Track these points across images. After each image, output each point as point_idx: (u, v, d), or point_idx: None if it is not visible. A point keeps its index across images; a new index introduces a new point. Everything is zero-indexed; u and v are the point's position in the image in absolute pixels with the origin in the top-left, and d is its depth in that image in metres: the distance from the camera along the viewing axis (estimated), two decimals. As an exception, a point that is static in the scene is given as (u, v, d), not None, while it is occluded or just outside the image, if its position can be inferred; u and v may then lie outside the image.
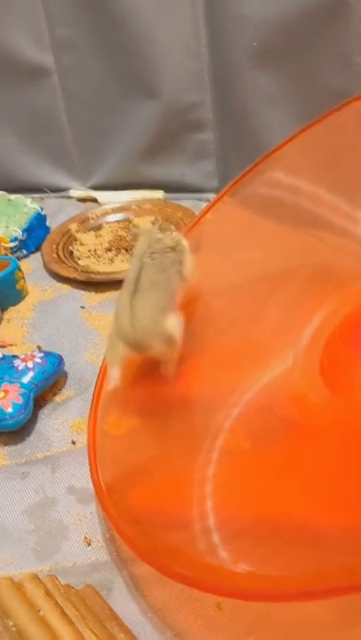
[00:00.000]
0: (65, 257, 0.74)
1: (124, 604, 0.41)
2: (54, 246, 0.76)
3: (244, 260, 0.58)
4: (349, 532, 0.39)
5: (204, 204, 0.68)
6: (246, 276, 0.58)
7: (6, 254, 0.74)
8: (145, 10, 0.73)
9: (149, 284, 0.48)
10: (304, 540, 0.40)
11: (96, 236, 0.78)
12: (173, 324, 0.48)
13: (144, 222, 0.79)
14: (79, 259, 0.75)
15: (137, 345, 0.47)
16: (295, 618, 0.40)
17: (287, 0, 0.67)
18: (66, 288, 0.71)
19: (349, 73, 0.69)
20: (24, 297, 0.70)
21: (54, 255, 0.74)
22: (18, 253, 0.75)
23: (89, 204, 0.85)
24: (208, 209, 0.62)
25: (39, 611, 0.36)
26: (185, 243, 0.53)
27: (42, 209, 0.79)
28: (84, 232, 0.79)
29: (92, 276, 0.70)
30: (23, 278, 0.70)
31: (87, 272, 0.71)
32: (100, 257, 0.75)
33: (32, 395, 0.54)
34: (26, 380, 0.55)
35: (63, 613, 0.36)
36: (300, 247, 0.58)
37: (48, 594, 0.37)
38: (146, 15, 0.73)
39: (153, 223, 0.78)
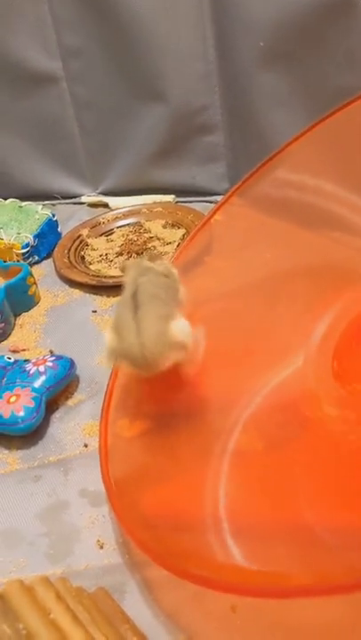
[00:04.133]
0: (76, 262, 0.75)
1: (137, 607, 0.41)
2: (66, 252, 0.76)
3: (253, 261, 0.58)
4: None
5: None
6: (256, 277, 0.57)
7: (18, 260, 0.75)
8: (151, 14, 0.73)
9: (148, 296, 0.46)
10: (318, 540, 0.40)
11: (107, 241, 0.79)
12: (180, 327, 0.46)
13: (155, 226, 0.79)
14: (91, 264, 0.75)
15: (147, 363, 0.44)
16: (311, 620, 0.39)
17: (292, 1, 0.67)
18: (77, 293, 0.71)
19: (357, 71, 0.69)
20: (36, 302, 0.70)
21: (66, 260, 0.75)
22: (30, 259, 0.76)
23: (100, 210, 0.85)
24: (216, 210, 0.62)
25: (49, 613, 0.36)
26: (175, 271, 0.51)
27: (53, 215, 0.79)
28: (96, 237, 0.79)
29: (104, 280, 0.70)
30: (35, 284, 0.70)
31: (98, 276, 0.71)
32: (111, 261, 0.75)
33: (44, 398, 0.54)
34: (38, 383, 0.55)
35: (74, 616, 0.36)
36: (310, 246, 0.58)
37: (59, 597, 0.37)
38: (152, 20, 0.73)
39: (164, 227, 0.78)
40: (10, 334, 0.66)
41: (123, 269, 0.51)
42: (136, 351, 0.44)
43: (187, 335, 0.46)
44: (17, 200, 0.81)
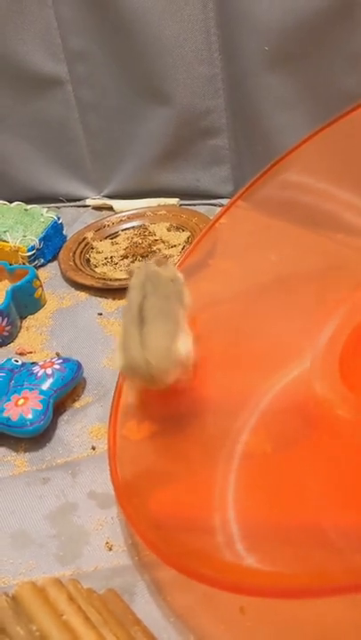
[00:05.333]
0: (82, 265, 0.75)
1: (147, 609, 0.41)
2: (71, 254, 0.77)
3: (259, 263, 0.58)
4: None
5: (219, 210, 0.68)
6: (262, 279, 0.58)
7: (24, 263, 0.75)
8: (156, 18, 0.73)
9: (155, 311, 0.47)
10: (328, 542, 0.40)
11: (112, 244, 0.79)
12: (184, 343, 0.46)
13: (159, 228, 0.79)
14: (96, 266, 0.75)
15: (152, 378, 0.45)
16: (319, 621, 0.39)
17: (297, 4, 0.67)
18: (83, 295, 0.71)
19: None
20: (42, 305, 0.70)
21: (71, 263, 0.75)
22: (35, 262, 0.76)
23: (105, 213, 0.86)
24: (222, 213, 0.62)
25: (62, 615, 0.36)
26: (181, 276, 0.52)
27: (58, 218, 0.79)
28: (101, 240, 0.80)
29: (109, 282, 0.71)
30: (41, 287, 0.70)
31: (104, 279, 0.71)
32: (116, 264, 0.75)
33: (52, 401, 0.55)
34: (45, 386, 0.55)
35: (86, 618, 0.36)
36: (317, 249, 0.58)
37: (71, 598, 0.37)
38: (157, 23, 0.73)
39: (168, 230, 0.79)
40: (16, 337, 0.67)
41: (130, 274, 0.52)
42: (142, 368, 0.45)
43: (190, 351, 0.47)
44: (22, 203, 0.81)
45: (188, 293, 0.51)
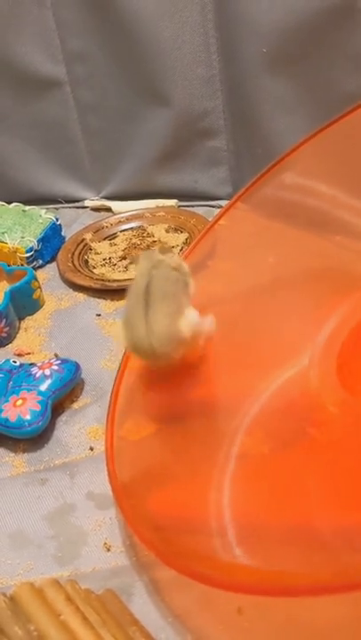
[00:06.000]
0: (80, 266, 0.75)
1: (145, 609, 0.41)
2: (69, 255, 0.77)
3: (257, 264, 0.58)
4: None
5: (217, 211, 0.68)
6: (260, 280, 0.58)
7: (22, 264, 0.75)
8: (155, 19, 0.73)
9: (161, 293, 0.48)
10: (324, 541, 0.40)
11: (110, 245, 0.79)
12: (188, 323, 0.47)
13: (158, 230, 0.79)
14: (94, 267, 0.75)
15: (156, 356, 0.47)
16: (317, 621, 0.40)
17: (296, 6, 0.67)
18: (81, 296, 0.71)
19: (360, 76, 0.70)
20: (41, 306, 0.70)
21: (70, 264, 0.75)
22: (34, 263, 0.76)
23: (103, 214, 0.86)
24: (221, 215, 0.62)
25: (60, 615, 0.36)
26: (185, 265, 0.52)
27: (57, 219, 0.79)
28: (99, 241, 0.80)
29: (108, 283, 0.71)
30: (39, 288, 0.70)
31: (102, 280, 0.72)
32: (114, 265, 0.75)
33: (50, 402, 0.55)
34: (43, 387, 0.55)
35: (84, 618, 0.36)
36: (315, 250, 0.58)
37: (69, 598, 0.37)
38: (156, 24, 0.74)
39: (167, 231, 0.79)
40: (14, 338, 0.67)
41: (135, 261, 0.52)
42: (146, 346, 0.46)
43: (195, 328, 0.48)
44: (21, 204, 0.81)
45: (192, 283, 0.51)
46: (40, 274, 0.75)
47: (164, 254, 0.51)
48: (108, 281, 0.71)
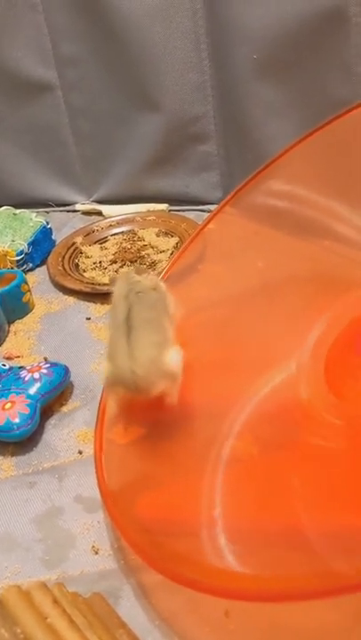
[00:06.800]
0: (70, 269, 0.75)
1: (132, 612, 0.41)
2: (60, 259, 0.77)
3: (246, 269, 0.59)
4: (358, 536, 0.39)
5: (207, 216, 0.68)
6: (249, 285, 0.58)
7: (12, 267, 0.75)
8: (146, 25, 0.74)
9: (142, 321, 0.47)
10: (313, 544, 0.40)
11: (101, 249, 0.79)
12: (173, 358, 0.46)
13: (148, 234, 0.80)
14: (85, 271, 0.76)
15: (138, 388, 0.46)
16: (304, 624, 0.40)
17: (287, 12, 0.68)
18: (71, 300, 0.71)
19: (351, 83, 0.70)
20: (30, 309, 0.70)
21: (60, 268, 0.75)
22: (24, 267, 0.76)
23: (94, 217, 0.86)
24: (210, 219, 0.63)
25: (47, 618, 0.36)
26: (162, 284, 0.52)
27: (47, 222, 0.79)
28: (90, 245, 0.80)
29: (98, 287, 0.71)
30: (29, 291, 0.70)
31: (92, 284, 0.72)
32: (105, 269, 0.75)
33: (39, 405, 0.55)
34: (32, 390, 0.55)
35: (71, 621, 0.36)
36: (303, 255, 0.59)
37: (56, 601, 0.37)
38: (147, 30, 0.74)
39: (157, 235, 0.79)
40: (4, 341, 0.67)
41: (112, 282, 0.52)
42: (128, 377, 0.45)
43: (178, 364, 0.47)
44: (11, 207, 0.81)
45: (172, 302, 0.51)
46: (30, 277, 0.75)
47: (140, 275, 0.51)
48: (99, 284, 0.71)
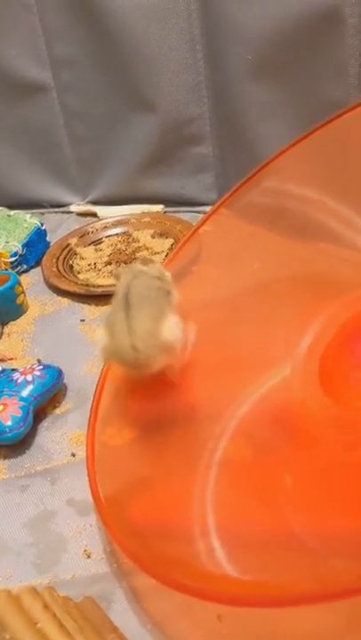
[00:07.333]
0: (65, 271, 0.75)
1: (124, 616, 0.41)
2: (54, 260, 0.76)
3: (241, 271, 0.58)
4: (351, 538, 0.39)
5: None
6: (244, 286, 0.58)
7: (6, 269, 0.75)
8: (141, 25, 0.74)
9: (140, 297, 0.47)
10: (305, 549, 0.40)
11: (96, 250, 0.79)
12: (171, 328, 0.47)
13: (143, 235, 0.79)
14: (79, 272, 0.75)
15: (138, 363, 0.45)
16: (298, 629, 0.39)
17: (282, 13, 0.68)
18: (66, 302, 0.71)
19: (346, 84, 0.70)
20: (24, 311, 0.70)
21: (54, 269, 0.75)
22: (18, 268, 0.76)
23: (89, 219, 0.85)
24: (205, 220, 0.62)
25: (37, 623, 0.35)
26: (168, 273, 0.52)
27: (42, 224, 0.79)
28: (84, 246, 0.79)
29: (92, 289, 0.70)
30: (23, 293, 0.70)
31: (87, 285, 0.71)
32: (99, 271, 0.75)
33: (31, 408, 0.54)
34: (25, 393, 0.55)
35: (61, 626, 0.36)
36: (299, 257, 0.58)
37: (46, 606, 0.37)
38: (142, 31, 0.74)
39: (152, 237, 0.79)
40: (-3, 343, 0.66)
41: (116, 277, 0.52)
42: (127, 351, 0.45)
43: (178, 335, 0.47)
44: (5, 209, 0.81)
45: (175, 292, 0.51)
46: (24, 279, 0.75)
47: (146, 265, 0.51)
48: (93, 286, 0.71)
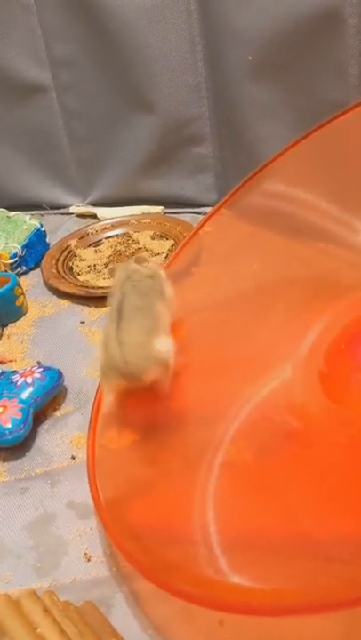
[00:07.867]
0: (65, 272, 0.75)
1: (125, 621, 0.40)
2: (54, 262, 0.76)
3: (242, 271, 0.58)
4: (353, 542, 0.38)
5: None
6: (244, 287, 0.57)
7: (6, 270, 0.74)
8: (141, 26, 0.73)
9: (132, 309, 0.48)
10: (307, 552, 0.40)
11: (95, 252, 0.79)
12: (163, 344, 0.47)
13: (143, 237, 0.79)
14: (79, 274, 0.75)
15: (130, 375, 0.46)
16: (299, 634, 0.39)
17: (282, 14, 0.68)
18: (65, 303, 0.71)
19: (346, 84, 0.70)
20: (24, 313, 0.70)
21: (54, 271, 0.75)
22: (18, 270, 0.76)
23: (88, 220, 0.85)
24: (205, 221, 0.62)
25: (37, 628, 0.35)
26: (162, 272, 0.52)
27: (41, 225, 0.79)
28: (84, 248, 0.79)
29: (92, 290, 0.70)
30: (23, 294, 0.70)
31: (87, 287, 0.71)
32: (99, 272, 0.75)
33: (31, 410, 0.54)
34: (25, 395, 0.55)
35: (61, 630, 0.36)
36: (299, 258, 0.58)
37: (46, 610, 0.37)
38: (142, 31, 0.74)
39: (152, 238, 0.79)
40: (-3, 345, 0.66)
41: (111, 273, 0.52)
42: (119, 364, 0.45)
43: (169, 351, 0.47)
44: (5, 210, 0.81)
45: (169, 289, 0.51)
46: (24, 280, 0.74)
47: (140, 263, 0.51)
48: (93, 288, 0.71)
